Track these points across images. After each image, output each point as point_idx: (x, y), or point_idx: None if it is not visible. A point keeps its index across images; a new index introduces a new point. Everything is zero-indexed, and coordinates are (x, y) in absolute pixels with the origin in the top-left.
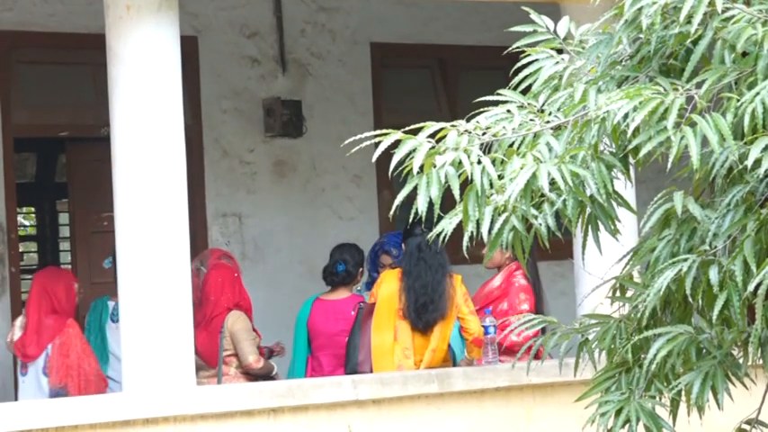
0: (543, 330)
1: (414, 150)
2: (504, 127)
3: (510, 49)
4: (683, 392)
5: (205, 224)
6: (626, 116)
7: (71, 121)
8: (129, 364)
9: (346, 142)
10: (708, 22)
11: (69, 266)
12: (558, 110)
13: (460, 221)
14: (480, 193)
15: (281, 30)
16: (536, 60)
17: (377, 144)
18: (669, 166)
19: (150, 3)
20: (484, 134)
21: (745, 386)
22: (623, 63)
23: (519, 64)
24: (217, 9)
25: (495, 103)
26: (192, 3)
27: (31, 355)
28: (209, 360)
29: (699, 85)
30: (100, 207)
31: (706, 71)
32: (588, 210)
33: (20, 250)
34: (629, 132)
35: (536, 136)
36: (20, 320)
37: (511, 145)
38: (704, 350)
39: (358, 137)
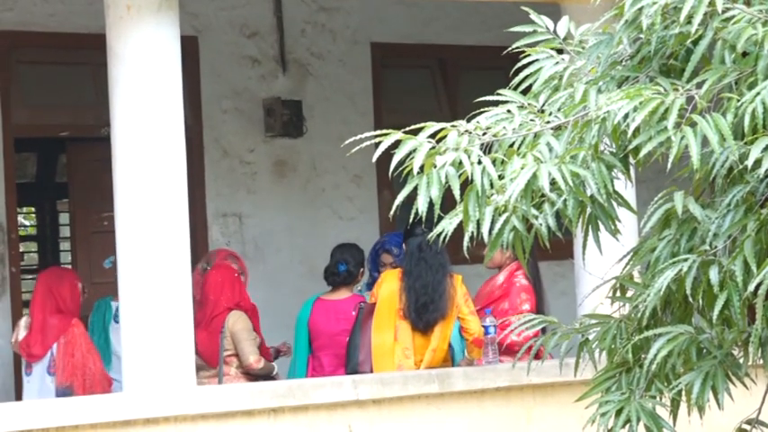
0: (544, 330)
1: (414, 150)
2: (504, 127)
3: (510, 49)
4: (683, 392)
5: (205, 224)
6: (626, 116)
7: (71, 121)
8: (129, 364)
9: (347, 142)
10: (708, 22)
11: (69, 266)
12: (559, 110)
13: (461, 221)
14: (481, 194)
15: (282, 30)
16: (536, 60)
17: (377, 144)
18: (669, 166)
19: (150, 3)
20: (484, 134)
21: (745, 386)
22: (623, 63)
23: (519, 64)
24: (217, 9)
25: (496, 104)
26: (193, 3)
27: (37, 355)
28: (209, 360)
29: (699, 86)
30: (100, 207)
31: (706, 71)
32: (588, 210)
33: (20, 250)
34: (630, 132)
35: (536, 136)
36: (25, 320)
37: (511, 145)
38: (704, 350)
39: (358, 137)
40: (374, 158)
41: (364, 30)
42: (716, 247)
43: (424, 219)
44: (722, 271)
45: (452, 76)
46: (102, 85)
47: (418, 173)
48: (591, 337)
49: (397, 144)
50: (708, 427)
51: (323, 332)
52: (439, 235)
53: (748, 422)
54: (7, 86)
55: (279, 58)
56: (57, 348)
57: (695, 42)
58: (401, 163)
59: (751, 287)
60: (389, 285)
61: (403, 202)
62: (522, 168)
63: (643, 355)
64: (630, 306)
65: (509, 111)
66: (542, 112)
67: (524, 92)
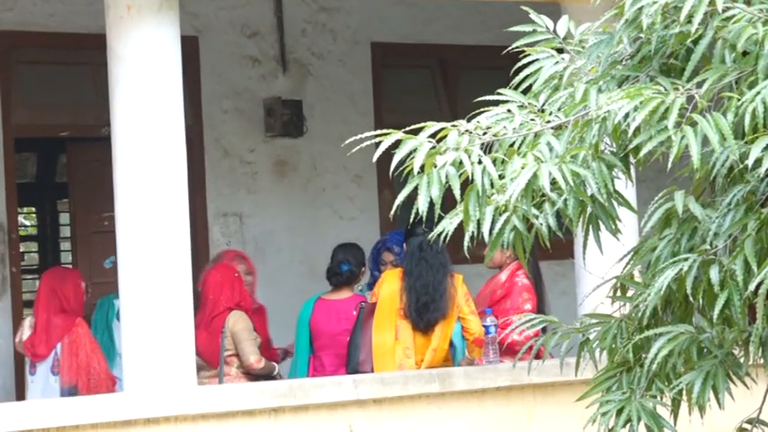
0: (544, 330)
1: (414, 150)
2: (504, 127)
3: (510, 48)
4: (684, 392)
5: (206, 224)
6: (627, 116)
7: (71, 121)
8: (130, 364)
9: (347, 142)
10: (708, 21)
11: (70, 266)
12: (559, 109)
13: (461, 221)
14: (481, 193)
15: (282, 30)
16: (536, 60)
17: (377, 144)
18: (670, 165)
19: (151, 3)
20: (484, 134)
21: (746, 385)
22: (624, 63)
23: (519, 64)
24: (217, 9)
25: (496, 103)
26: (193, 3)
27: (41, 355)
28: (210, 360)
29: (699, 85)
30: (100, 207)
31: (706, 71)
32: (589, 209)
33: (21, 250)
34: (630, 132)
35: (537, 136)
36: (29, 320)
37: (511, 145)
38: (705, 350)
39: (359, 137)
40: (374, 158)
41: (365, 30)
42: (716, 246)
43: (424, 218)
44: (723, 270)
45: (452, 75)
46: (103, 85)
47: (419, 173)
48: (591, 337)
49: (397, 144)
50: (708, 427)
51: (324, 332)
52: (439, 235)
53: (749, 421)
54: (7, 86)
55: (279, 57)
56: (61, 348)
57: (695, 42)
58: (401, 163)
59: (751, 286)
60: (390, 285)
61: (403, 201)
62: (522, 168)
63: (644, 355)
64: (631, 305)
65: (509, 110)
66: (542, 111)
67: (524, 91)
